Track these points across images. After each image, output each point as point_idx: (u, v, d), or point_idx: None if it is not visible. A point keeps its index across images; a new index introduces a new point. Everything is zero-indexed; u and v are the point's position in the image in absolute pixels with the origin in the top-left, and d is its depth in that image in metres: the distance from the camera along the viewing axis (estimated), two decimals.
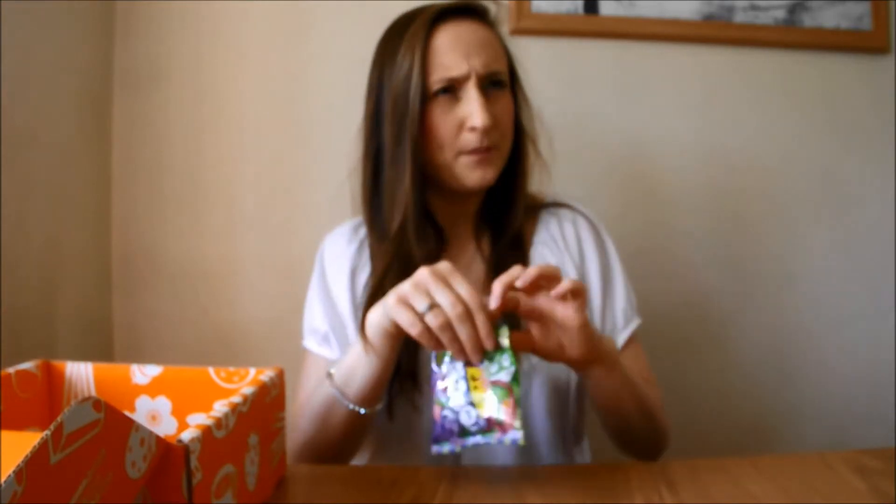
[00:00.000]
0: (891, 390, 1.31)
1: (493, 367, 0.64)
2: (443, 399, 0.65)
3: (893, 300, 1.33)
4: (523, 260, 0.87)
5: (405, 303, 0.64)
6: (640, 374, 0.85)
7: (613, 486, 0.63)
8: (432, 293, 0.63)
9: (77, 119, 1.19)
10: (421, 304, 0.63)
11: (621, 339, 0.88)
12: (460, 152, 0.81)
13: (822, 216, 1.34)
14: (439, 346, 0.65)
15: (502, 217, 0.88)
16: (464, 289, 0.64)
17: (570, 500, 0.61)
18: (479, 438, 0.63)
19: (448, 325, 0.62)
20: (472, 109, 0.79)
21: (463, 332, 0.63)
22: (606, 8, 1.28)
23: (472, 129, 0.79)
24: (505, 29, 0.89)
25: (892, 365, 1.32)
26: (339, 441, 0.77)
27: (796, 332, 1.34)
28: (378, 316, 0.69)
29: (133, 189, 1.29)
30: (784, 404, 1.34)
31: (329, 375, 0.75)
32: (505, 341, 0.65)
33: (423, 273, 0.65)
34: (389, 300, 0.66)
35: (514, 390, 0.63)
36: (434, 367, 0.66)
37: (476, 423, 0.63)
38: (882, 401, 1.31)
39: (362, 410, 0.73)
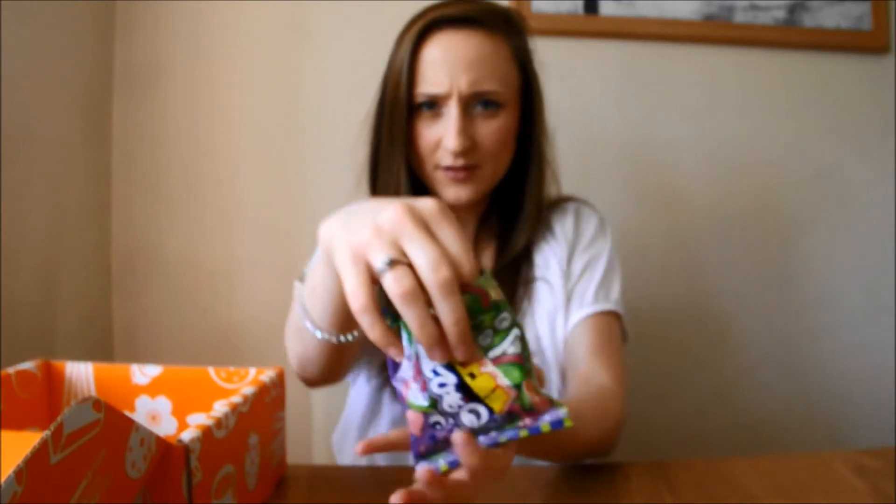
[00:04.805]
0: (891, 390, 1.31)
1: (487, 336, 0.42)
2: (420, 399, 0.43)
3: (893, 300, 1.33)
4: (525, 281, 0.85)
5: (359, 254, 0.42)
6: (592, 348, 0.79)
7: (613, 486, 0.63)
8: (403, 243, 0.41)
9: (77, 119, 1.19)
10: (380, 258, 0.41)
11: (582, 313, 0.82)
12: (437, 167, 0.80)
13: (822, 216, 1.34)
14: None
15: (506, 233, 0.86)
16: (452, 240, 0.42)
17: (570, 500, 0.61)
18: (497, 435, 0.43)
19: (415, 295, 0.40)
20: (448, 130, 0.77)
21: (445, 309, 0.40)
22: (606, 8, 1.28)
23: (446, 148, 0.78)
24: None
25: (892, 365, 1.32)
26: (317, 360, 0.65)
27: (796, 332, 1.34)
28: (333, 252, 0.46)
29: (133, 189, 1.28)
30: (784, 404, 1.34)
31: (301, 278, 0.59)
32: (494, 293, 0.42)
33: (396, 211, 0.42)
34: (340, 244, 0.44)
35: (526, 362, 0.42)
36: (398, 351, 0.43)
37: (492, 420, 0.43)
38: (882, 401, 1.31)
39: (326, 336, 0.54)
